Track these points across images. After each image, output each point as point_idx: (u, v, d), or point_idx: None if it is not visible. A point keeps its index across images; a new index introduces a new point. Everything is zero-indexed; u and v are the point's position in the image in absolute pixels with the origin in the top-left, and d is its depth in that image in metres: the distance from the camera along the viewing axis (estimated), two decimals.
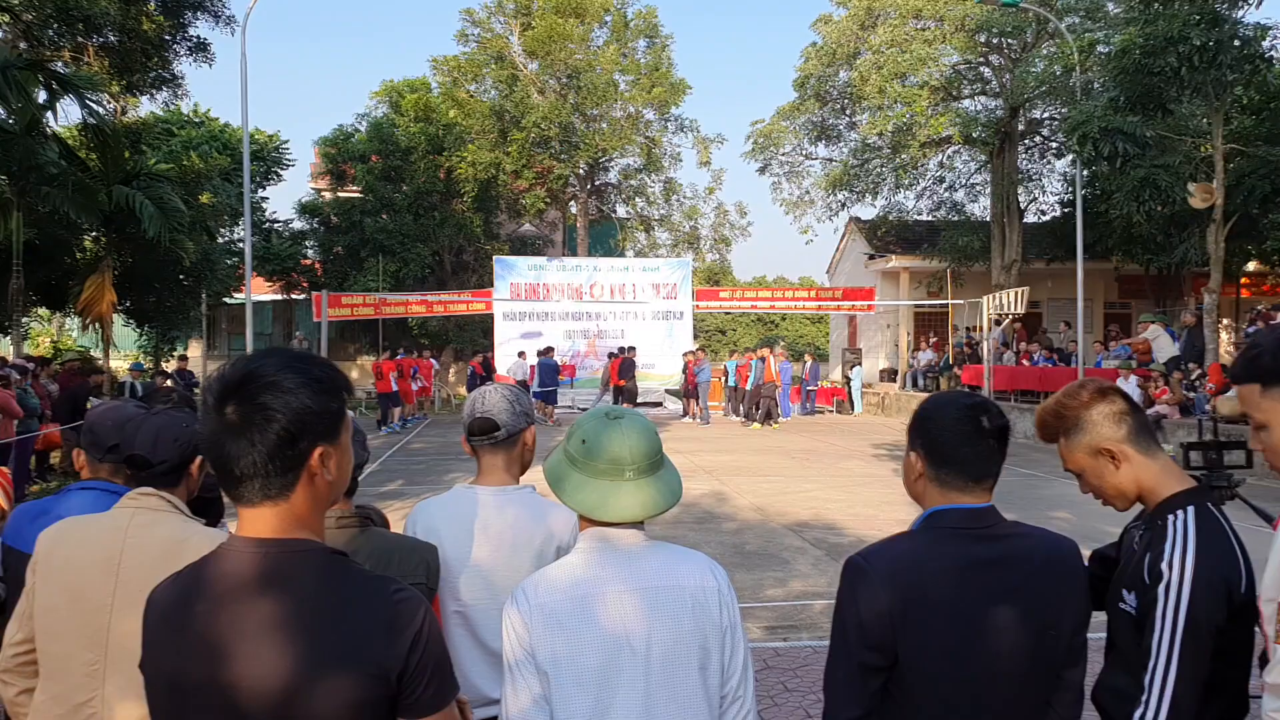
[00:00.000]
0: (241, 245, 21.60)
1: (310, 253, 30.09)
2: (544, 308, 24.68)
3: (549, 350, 21.84)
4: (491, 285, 25.11)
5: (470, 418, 2.47)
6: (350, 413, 1.60)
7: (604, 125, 28.21)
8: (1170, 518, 1.88)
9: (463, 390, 23.82)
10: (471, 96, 28.61)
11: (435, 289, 27.00)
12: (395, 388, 19.98)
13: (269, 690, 1.34)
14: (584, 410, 23.82)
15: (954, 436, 1.83)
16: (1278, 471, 1.77)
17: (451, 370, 29.08)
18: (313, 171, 31.54)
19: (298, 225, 29.90)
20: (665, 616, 1.77)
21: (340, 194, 28.97)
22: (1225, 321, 22.13)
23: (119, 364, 22.99)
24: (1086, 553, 2.14)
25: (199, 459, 2.25)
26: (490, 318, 25.12)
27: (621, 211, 31.44)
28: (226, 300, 26.97)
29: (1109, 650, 2.02)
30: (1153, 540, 1.88)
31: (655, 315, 24.99)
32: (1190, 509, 1.88)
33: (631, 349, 22.05)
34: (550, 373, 20.96)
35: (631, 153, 29.20)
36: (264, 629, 1.36)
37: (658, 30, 29.35)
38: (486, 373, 21.71)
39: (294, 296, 29.94)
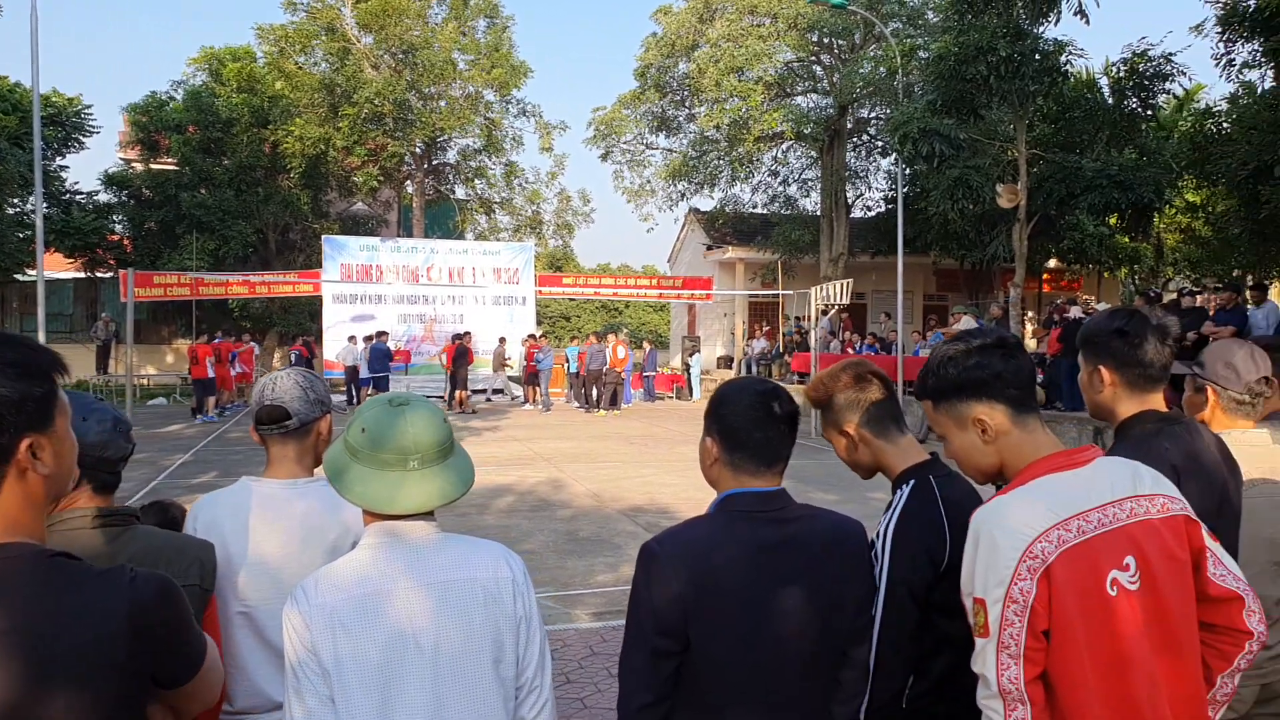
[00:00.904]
0: (34, 217, 19.69)
1: (119, 228, 27.80)
2: (377, 290, 23.81)
3: (381, 335, 21.09)
4: (320, 266, 24.01)
5: (259, 405, 2.30)
6: (64, 396, 1.41)
7: (442, 104, 27.49)
8: (897, 491, 2.04)
9: None
10: (300, 68, 27.20)
11: (259, 269, 25.58)
12: (212, 374, 18.79)
13: None
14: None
15: (747, 422, 1.86)
16: (969, 476, 1.88)
17: (276, 355, 27.66)
18: (121, 140, 29.22)
19: (104, 198, 27.52)
20: (456, 611, 1.71)
21: (153, 166, 26.93)
22: (1029, 314, 23.96)
23: None
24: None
25: None
26: (318, 300, 24.02)
27: (461, 193, 30.77)
28: (18, 277, 24.60)
29: None
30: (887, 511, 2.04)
31: (496, 300, 24.61)
32: (912, 482, 2.02)
33: (467, 334, 21.59)
34: (382, 358, 20.25)
35: (471, 133, 28.59)
36: None
37: (498, 11, 28.87)
38: (311, 358, 20.78)
39: (100, 275, 27.62)
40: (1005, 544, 1.59)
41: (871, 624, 1.92)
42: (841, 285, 19.67)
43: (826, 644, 1.84)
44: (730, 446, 1.87)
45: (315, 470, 2.36)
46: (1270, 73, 13.24)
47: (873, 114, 25.86)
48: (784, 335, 25.02)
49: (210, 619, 2.05)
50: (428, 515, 1.79)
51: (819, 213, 26.00)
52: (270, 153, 26.53)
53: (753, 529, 1.81)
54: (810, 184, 27.95)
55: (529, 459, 13.12)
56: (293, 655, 1.66)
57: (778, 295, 25.95)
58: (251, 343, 21.89)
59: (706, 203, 29.62)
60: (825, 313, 20.86)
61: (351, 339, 21.38)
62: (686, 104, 26.79)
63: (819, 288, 20.52)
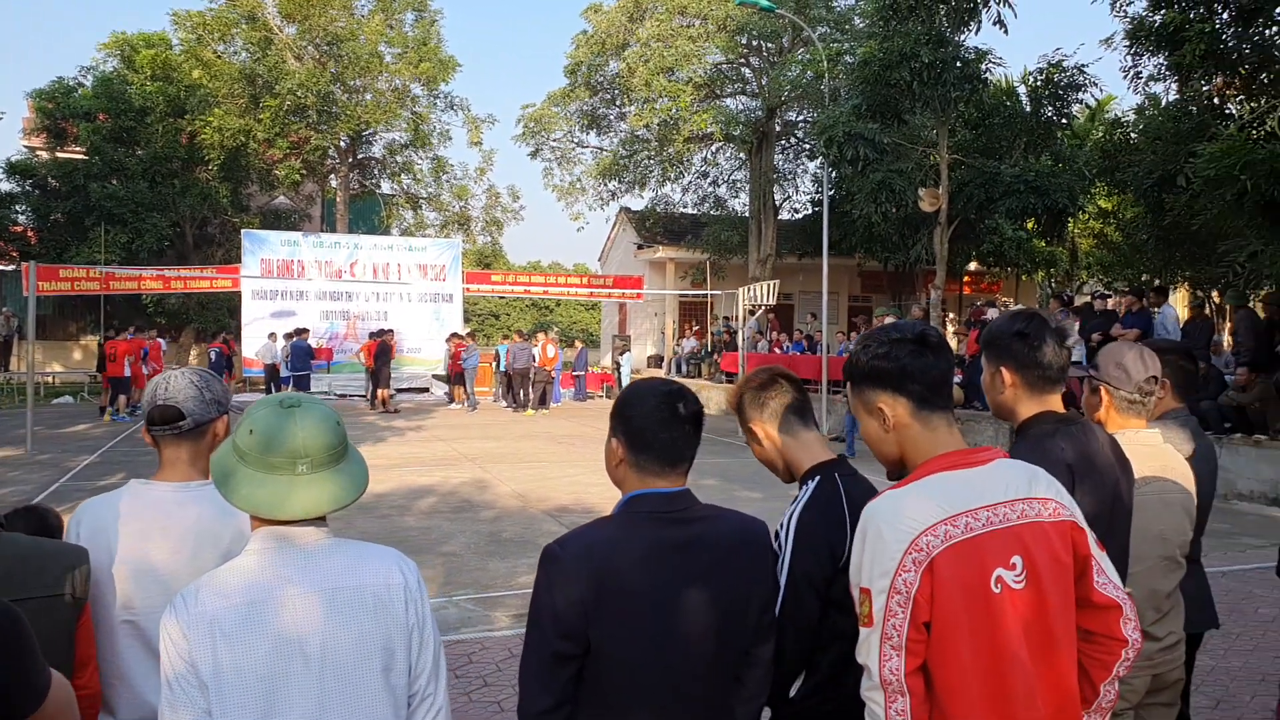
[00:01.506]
0: None
1: (22, 219, 26.57)
2: (299, 286, 23.23)
3: (303, 332, 20.57)
4: (239, 261, 23.32)
5: (150, 405, 2.20)
6: None
7: (367, 97, 26.96)
8: (802, 486, 2.11)
9: None
10: (219, 57, 26.37)
11: (175, 263, 24.76)
12: (129, 372, 18.10)
13: None
14: (339, 396, 22.85)
15: (652, 423, 1.85)
16: (879, 460, 1.90)
17: (194, 352, 26.79)
18: (25, 128, 27.93)
19: (6, 187, 26.30)
20: (344, 618, 1.67)
21: (60, 155, 25.81)
22: (951, 315, 24.56)
23: None
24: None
25: None
26: (238, 296, 23.33)
27: (386, 188, 30.19)
28: None
29: None
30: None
31: (422, 297, 24.24)
32: (817, 478, 2.08)
33: (389, 331, 21.20)
34: (303, 356, 19.77)
35: (398, 127, 28.10)
36: None
37: (426, 4, 28.43)
38: (230, 355, 20.17)
39: (1, 268, 26.38)
40: (891, 536, 1.62)
41: (775, 623, 1.93)
42: (769, 286, 19.89)
43: (730, 643, 1.84)
44: (635, 447, 1.86)
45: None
46: (1174, 86, 13.79)
47: (800, 117, 26.19)
48: (713, 335, 25.19)
49: (86, 628, 1.97)
50: (318, 520, 1.74)
51: (748, 214, 26.23)
52: (187, 144, 25.66)
53: (656, 530, 1.81)
54: (739, 185, 28.20)
55: (453, 459, 12.94)
56: (169, 667, 1.61)
57: (707, 295, 26.13)
58: (159, 338, 20.99)
59: (637, 202, 29.70)
60: (753, 313, 21.07)
61: (272, 336, 20.81)
62: (617, 103, 26.77)
63: (747, 288, 20.73)
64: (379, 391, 20.05)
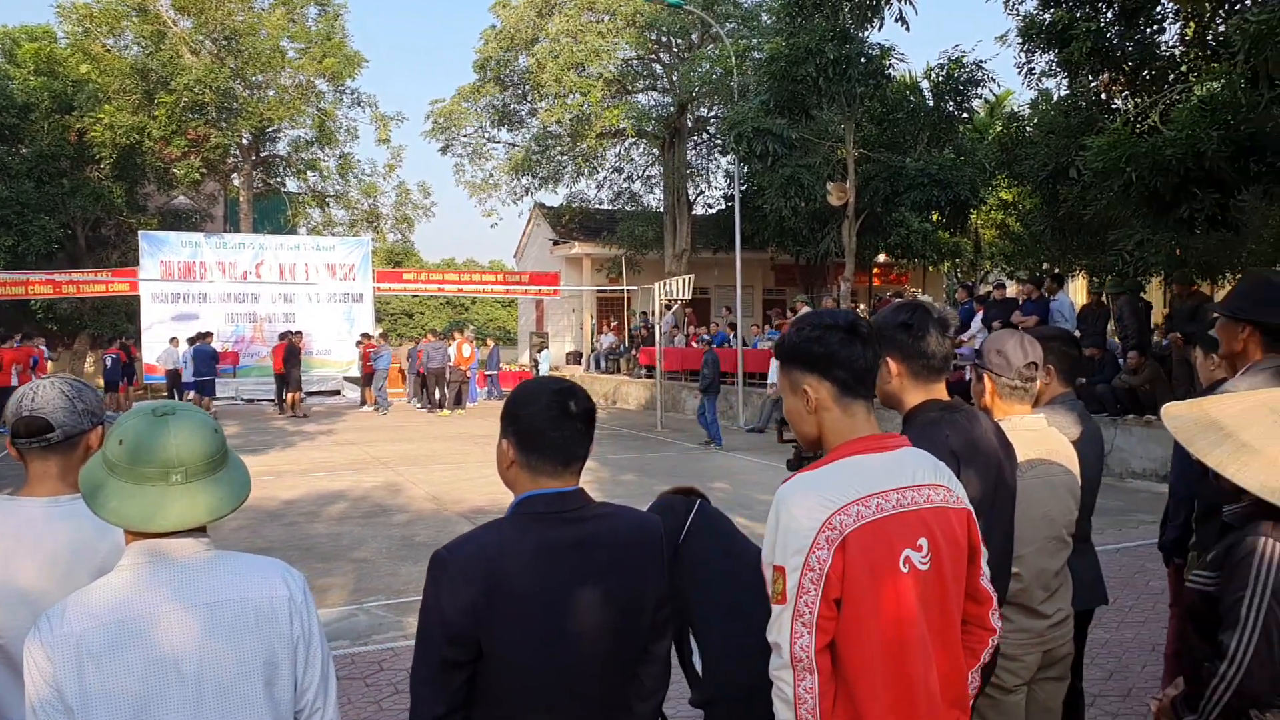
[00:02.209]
0: None
1: None
2: (201, 288, 22.43)
3: (206, 336, 19.84)
4: (137, 263, 22.38)
5: (15, 417, 2.09)
6: None
7: (270, 94, 26.12)
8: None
9: (101, 382, 21.03)
10: (109, 51, 25.21)
11: (66, 267, 23.62)
12: (16, 382, 17.17)
13: None
14: (246, 401, 22.14)
15: (543, 422, 1.83)
16: (798, 437, 1.94)
17: (89, 359, 25.61)
18: None
19: None
20: (225, 634, 1.62)
21: None
22: (861, 307, 25.08)
23: None
24: (739, 520, 2.27)
25: None
26: (136, 299, 22.39)
27: (292, 186, 29.33)
28: None
29: None
30: None
31: (331, 297, 23.65)
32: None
33: (298, 333, 20.63)
34: (207, 360, 19.06)
35: (303, 124, 27.30)
36: None
37: None
38: (130, 361, 19.33)
39: None
40: (805, 515, 1.67)
41: (671, 619, 1.93)
42: (684, 280, 19.99)
43: (627, 641, 1.84)
44: (526, 448, 1.83)
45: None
46: (1064, 82, 14.31)
47: (711, 113, 26.40)
48: (631, 330, 25.24)
49: None
50: (198, 532, 1.68)
51: (662, 209, 26.34)
52: (76, 141, 24.49)
53: (548, 530, 1.79)
54: (653, 181, 28.30)
55: (365, 463, 12.67)
56: (33, 693, 1.55)
57: (624, 290, 26.16)
58: (41, 345, 19.83)
59: (551, 198, 29.56)
60: (669, 307, 21.16)
61: (173, 340, 20.02)
62: (528, 98, 26.54)
63: (663, 283, 20.78)
64: (288, 395, 19.50)
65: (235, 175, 28.01)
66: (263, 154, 28.27)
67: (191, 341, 19.43)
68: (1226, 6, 11.82)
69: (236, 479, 1.74)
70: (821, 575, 1.65)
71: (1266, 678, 1.91)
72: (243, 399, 22.06)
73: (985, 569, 1.91)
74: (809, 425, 1.85)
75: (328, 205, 29.87)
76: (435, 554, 1.76)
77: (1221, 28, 11.60)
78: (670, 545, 2.02)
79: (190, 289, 22.41)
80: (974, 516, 1.88)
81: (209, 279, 22.49)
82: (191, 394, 18.71)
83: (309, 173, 28.95)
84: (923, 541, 1.72)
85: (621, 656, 1.84)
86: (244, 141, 26.83)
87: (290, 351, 19.47)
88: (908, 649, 1.69)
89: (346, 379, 23.05)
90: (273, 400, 20.81)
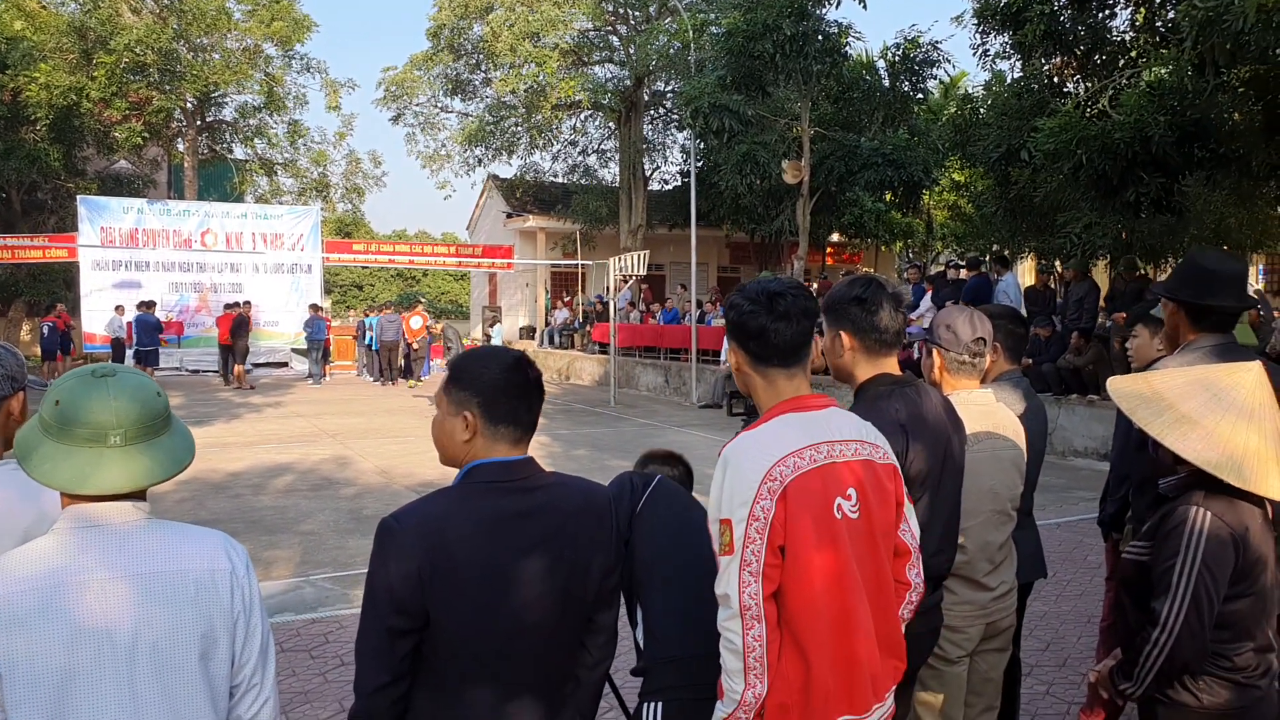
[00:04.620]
0: None
1: None
2: (144, 256, 21.84)
3: (150, 305, 19.34)
4: (75, 229, 21.68)
5: None
6: None
7: (215, 57, 25.34)
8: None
9: (38, 350, 20.41)
10: (44, 8, 24.21)
11: (0, 231, 22.78)
12: None
13: None
14: (191, 372, 21.68)
15: (509, 391, 1.81)
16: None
17: (25, 327, 24.83)
18: None
19: None
20: (160, 605, 1.58)
21: None
22: (814, 285, 25.22)
23: None
24: (694, 494, 2.30)
25: None
26: (75, 266, 21.72)
27: (239, 153, 28.53)
28: None
29: None
30: None
31: (279, 268, 23.17)
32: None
33: (245, 304, 20.21)
34: (150, 330, 18.59)
35: (250, 89, 26.52)
36: None
37: None
38: (67, 329, 18.79)
39: None
40: (749, 467, 1.74)
41: (618, 589, 1.93)
42: (639, 256, 19.95)
43: (572, 612, 1.83)
44: (494, 418, 1.82)
45: (6, 454, 2.09)
46: (1018, 64, 14.44)
47: (668, 87, 26.22)
48: (585, 306, 25.12)
49: None
50: (135, 498, 1.64)
51: (618, 184, 26.18)
52: (10, 101, 23.53)
53: (496, 500, 1.78)
54: (609, 155, 28.07)
55: (313, 436, 12.48)
56: None
57: (578, 265, 26.00)
58: None
59: (505, 170, 29.18)
60: (625, 283, 21.12)
61: (118, 309, 19.46)
62: (482, 67, 26.10)
63: (618, 258, 20.74)
64: (234, 367, 19.12)
65: (179, 140, 27.17)
66: (208, 119, 27.45)
67: (137, 310, 18.94)
68: None
69: (178, 445, 1.70)
70: (766, 524, 1.71)
71: (1196, 644, 1.97)
72: (187, 369, 21.59)
73: (910, 524, 1.98)
74: (742, 385, 2.00)
75: (276, 173, 29.14)
76: (383, 522, 1.75)
77: (1170, 14, 11.78)
78: (625, 519, 2.02)
79: (132, 256, 21.81)
80: (899, 473, 1.95)
81: (152, 246, 21.89)
82: (135, 364, 18.27)
83: (256, 139, 28.18)
84: (852, 491, 1.80)
85: (568, 626, 1.83)
86: (188, 106, 26.02)
87: (238, 322, 19.09)
88: (847, 593, 1.77)
89: (295, 350, 22.65)
90: (218, 371, 20.40)
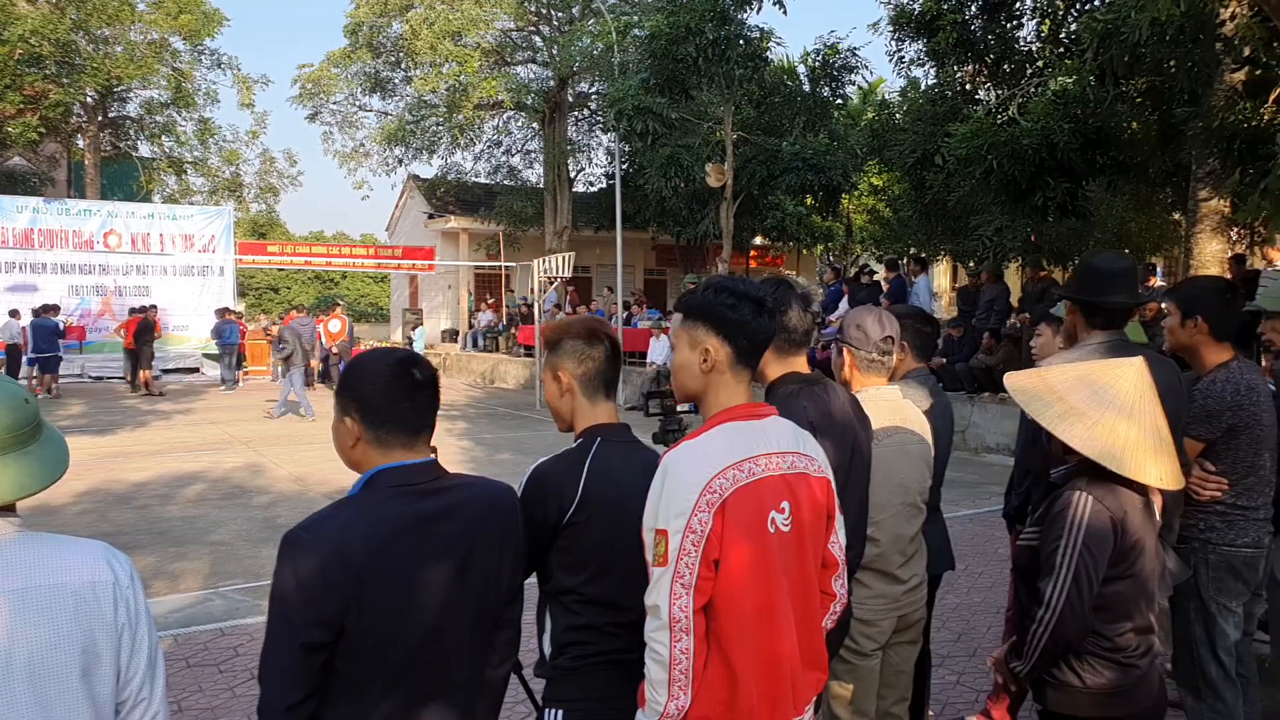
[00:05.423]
0: None
1: None
2: (41, 257, 20.88)
3: (50, 309, 18.47)
4: None
5: None
6: None
7: (118, 49, 24.36)
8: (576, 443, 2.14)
9: None
10: None
11: None
12: None
13: None
14: (94, 379, 20.79)
15: (390, 393, 1.77)
16: (674, 393, 2.00)
17: None
18: None
19: None
20: (36, 620, 1.52)
21: None
22: None
23: None
24: None
25: None
26: None
27: (145, 150, 27.48)
28: None
29: None
30: None
31: (189, 270, 22.41)
32: (581, 440, 2.09)
33: (152, 308, 19.48)
34: (48, 335, 17.75)
35: (156, 85, 25.58)
36: None
37: None
38: None
39: None
40: (689, 478, 1.72)
41: (522, 585, 1.91)
42: (564, 258, 19.88)
43: (483, 610, 1.82)
44: (374, 422, 1.77)
45: None
46: (932, 71, 14.85)
47: (593, 89, 26.19)
48: (509, 308, 24.91)
49: None
50: (6, 511, 1.58)
51: (543, 185, 26.03)
52: None
53: (404, 504, 1.74)
54: (533, 156, 27.91)
55: (225, 443, 12.09)
56: None
57: (502, 267, 25.77)
58: None
59: (426, 169, 28.77)
60: (551, 283, 21.00)
61: (14, 313, 18.54)
62: (402, 66, 25.68)
63: (542, 260, 20.63)
64: (140, 372, 18.40)
65: (79, 136, 26.06)
66: (111, 115, 26.40)
67: (34, 314, 18.06)
68: (1078, 5, 12.48)
69: (49, 455, 1.63)
70: (702, 537, 1.69)
71: (1078, 622, 2.06)
72: (90, 376, 20.70)
73: (839, 535, 1.98)
74: (697, 383, 1.88)
75: (185, 172, 28.17)
76: (287, 534, 1.69)
77: (1073, 26, 12.23)
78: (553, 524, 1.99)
79: (28, 257, 20.83)
80: (833, 486, 1.94)
81: (50, 247, 20.94)
82: (34, 370, 17.44)
83: (164, 137, 27.19)
84: (785, 505, 1.79)
85: (479, 629, 1.82)
86: (89, 100, 24.96)
87: (143, 327, 18.37)
88: (775, 609, 1.76)
89: (206, 356, 21.93)
90: (124, 378, 19.63)
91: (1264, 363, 4.87)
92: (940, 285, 26.57)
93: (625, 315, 19.12)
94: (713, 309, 1.85)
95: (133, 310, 19.46)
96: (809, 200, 20.33)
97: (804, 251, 27.22)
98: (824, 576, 1.95)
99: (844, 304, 14.00)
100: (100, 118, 25.80)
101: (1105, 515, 2.07)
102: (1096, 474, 2.08)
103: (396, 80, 26.33)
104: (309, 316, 20.26)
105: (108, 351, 20.92)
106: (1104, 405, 2.09)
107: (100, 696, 1.58)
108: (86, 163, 25.63)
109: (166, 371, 20.67)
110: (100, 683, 1.58)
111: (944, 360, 12.19)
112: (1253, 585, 3.12)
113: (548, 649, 2.01)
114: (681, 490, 1.71)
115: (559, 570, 1.97)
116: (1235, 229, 13.04)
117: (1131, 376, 2.12)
